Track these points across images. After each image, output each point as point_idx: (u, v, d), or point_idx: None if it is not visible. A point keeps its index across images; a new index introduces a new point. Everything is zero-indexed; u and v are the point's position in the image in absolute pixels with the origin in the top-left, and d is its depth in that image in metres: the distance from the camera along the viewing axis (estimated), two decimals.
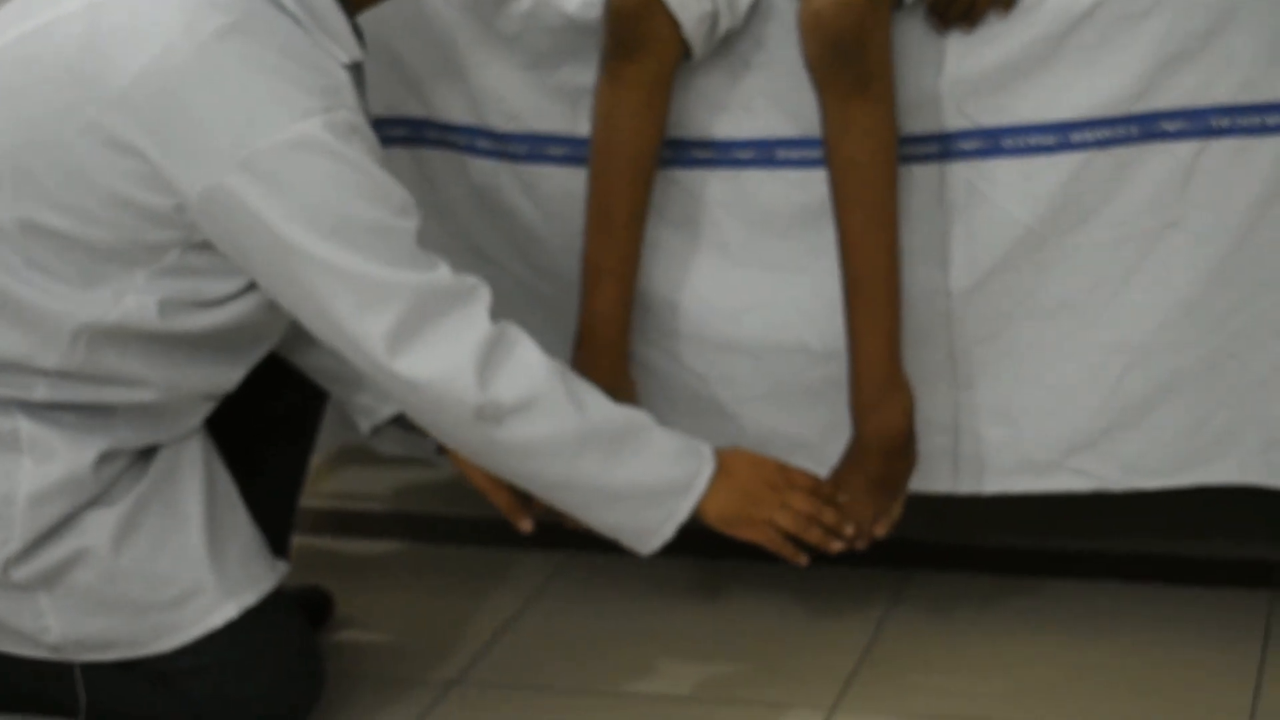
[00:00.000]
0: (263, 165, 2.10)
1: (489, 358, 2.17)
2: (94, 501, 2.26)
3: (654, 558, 2.74)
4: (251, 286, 2.22)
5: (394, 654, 2.60)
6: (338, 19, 2.23)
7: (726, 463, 2.32)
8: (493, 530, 2.65)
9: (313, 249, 2.12)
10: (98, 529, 2.26)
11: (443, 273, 2.18)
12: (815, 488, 2.41)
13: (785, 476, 2.38)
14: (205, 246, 2.17)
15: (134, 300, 2.19)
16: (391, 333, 2.14)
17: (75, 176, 2.14)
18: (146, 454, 2.31)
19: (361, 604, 2.72)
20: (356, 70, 2.28)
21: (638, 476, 2.26)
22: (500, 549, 2.82)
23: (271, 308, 2.23)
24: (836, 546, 2.44)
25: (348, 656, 2.56)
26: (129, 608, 2.27)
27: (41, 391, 2.23)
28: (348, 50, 2.24)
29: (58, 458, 2.24)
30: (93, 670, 2.29)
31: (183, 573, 2.27)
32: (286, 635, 2.33)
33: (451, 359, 2.16)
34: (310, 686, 2.35)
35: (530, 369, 2.19)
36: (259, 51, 2.12)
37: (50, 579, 2.26)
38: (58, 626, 2.27)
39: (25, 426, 2.24)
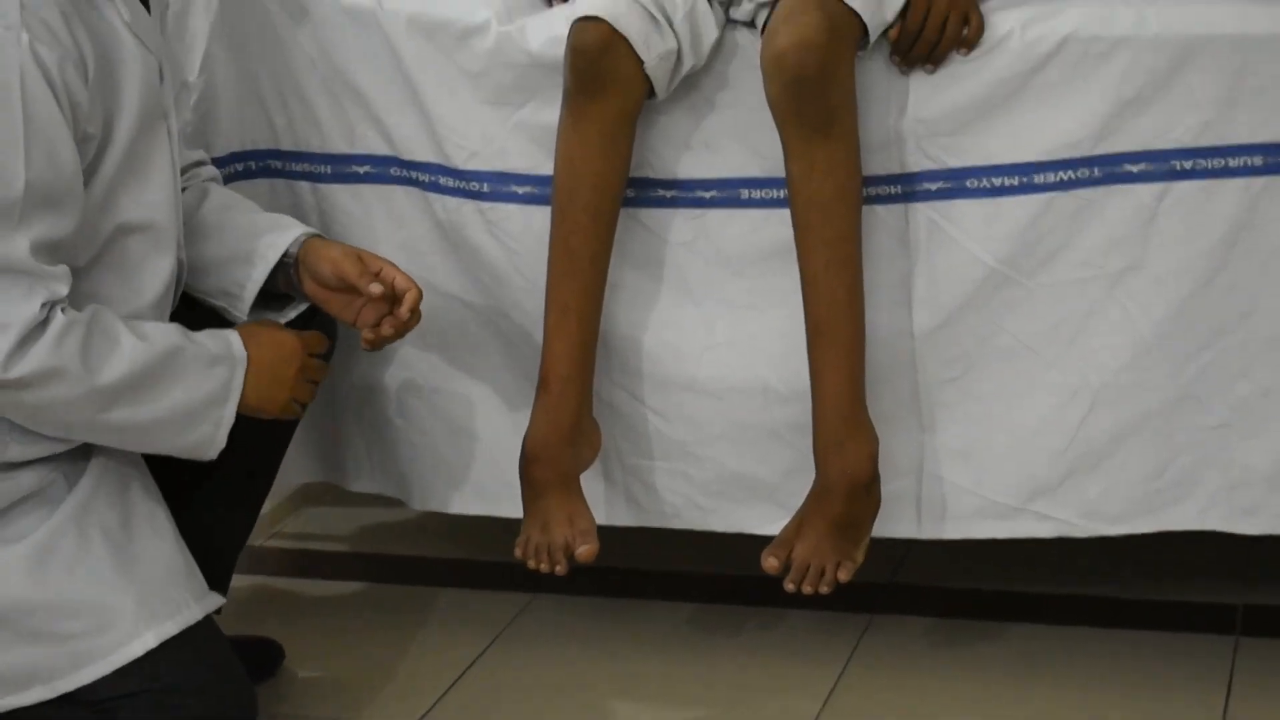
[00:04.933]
0: None
1: (28, 336, 2.17)
2: (3, 525, 2.26)
3: (618, 601, 2.80)
4: None
5: (353, 696, 2.59)
6: None
7: (253, 354, 2.34)
8: (456, 571, 2.65)
9: None
10: (10, 561, 2.25)
11: (23, 253, 2.16)
12: (323, 345, 2.42)
13: (303, 345, 2.39)
14: None
15: None
16: None
17: None
18: (60, 484, 2.29)
19: (322, 645, 2.71)
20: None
21: (176, 404, 2.29)
22: (464, 590, 2.81)
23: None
24: None
25: (307, 698, 2.55)
26: (47, 639, 2.25)
27: None
28: None
29: None
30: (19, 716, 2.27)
31: (97, 601, 2.26)
32: (215, 663, 2.31)
33: None
34: (243, 716, 2.33)
35: (49, 346, 2.19)
36: None
37: None
38: None
39: None
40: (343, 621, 2.80)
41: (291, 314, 2.47)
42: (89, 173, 2.24)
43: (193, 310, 2.44)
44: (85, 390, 2.22)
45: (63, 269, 2.20)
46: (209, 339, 2.32)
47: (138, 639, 2.25)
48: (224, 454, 2.35)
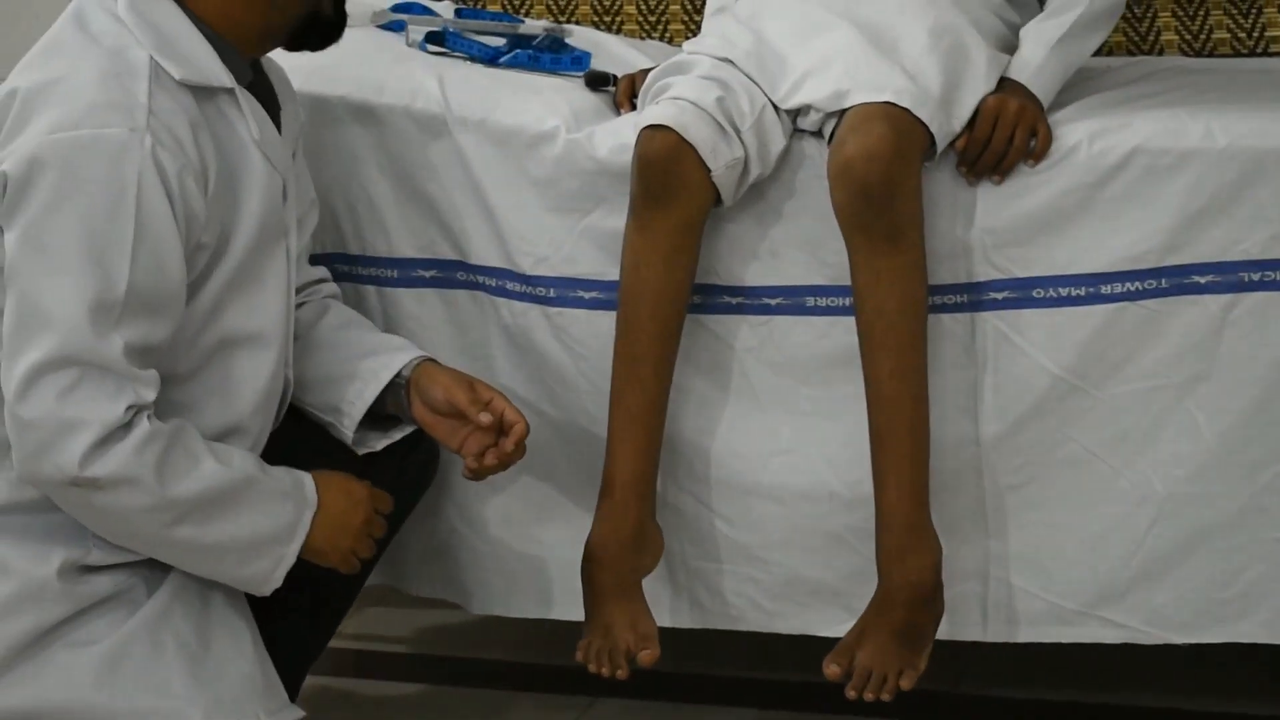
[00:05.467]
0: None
1: (109, 437, 2.19)
2: (73, 630, 2.27)
3: (680, 706, 2.78)
4: None
5: None
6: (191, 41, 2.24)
7: (324, 499, 2.34)
8: (517, 674, 2.63)
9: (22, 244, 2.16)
10: (82, 664, 2.26)
11: (116, 353, 2.18)
12: (389, 506, 2.42)
13: (372, 502, 2.39)
14: None
15: None
16: (36, 366, 2.17)
17: None
18: (140, 589, 2.30)
19: None
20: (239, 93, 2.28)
21: (242, 533, 2.29)
22: (526, 693, 2.80)
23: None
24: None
25: None
26: None
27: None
28: (204, 74, 2.24)
29: (11, 570, 2.25)
30: None
31: (166, 711, 2.26)
32: None
33: (82, 410, 2.17)
34: None
35: (129, 453, 2.19)
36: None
37: (36, 715, 2.26)
38: None
39: None
40: None
41: (397, 436, 2.49)
42: (199, 281, 2.27)
43: (299, 424, 2.46)
44: (155, 501, 2.22)
45: (152, 374, 2.22)
46: (285, 475, 2.33)
47: None
48: (311, 571, 2.36)
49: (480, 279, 2.63)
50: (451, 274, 2.65)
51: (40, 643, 2.27)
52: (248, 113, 2.29)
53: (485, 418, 2.42)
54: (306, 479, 2.34)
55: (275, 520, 2.31)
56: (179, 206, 2.20)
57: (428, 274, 2.65)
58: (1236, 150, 2.40)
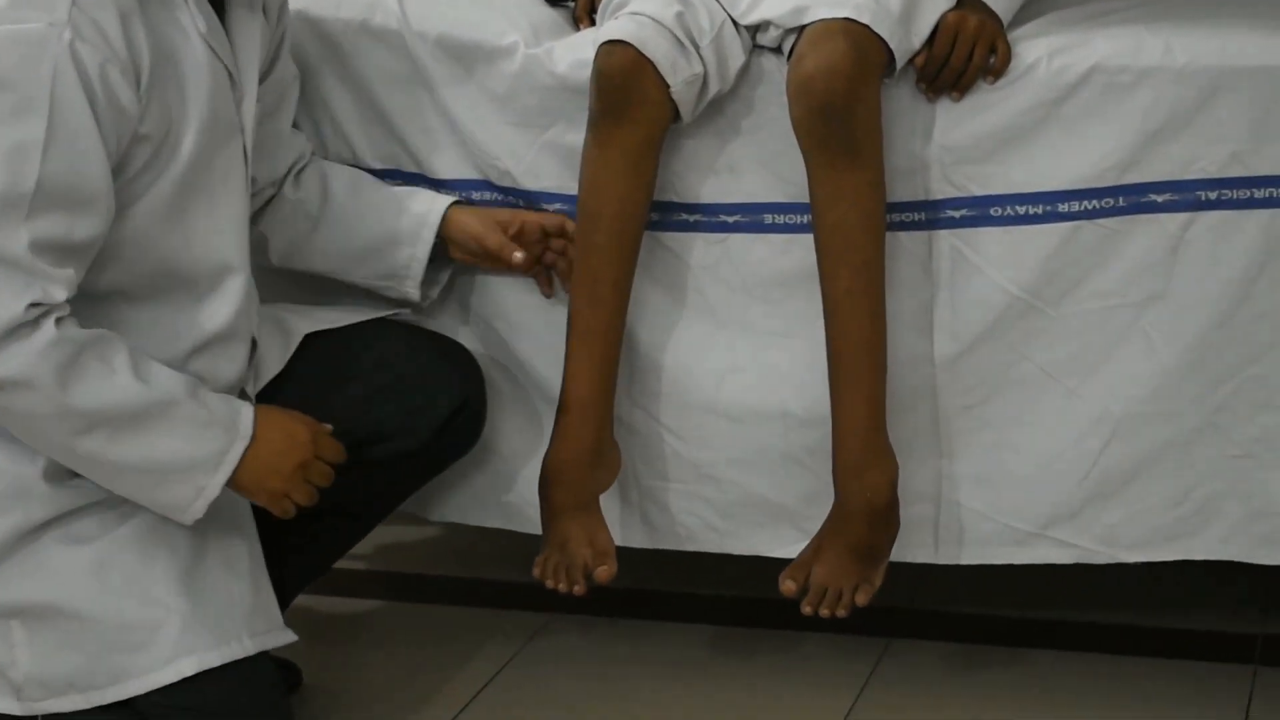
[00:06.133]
0: None
1: (3, 336, 2.14)
2: (63, 527, 2.28)
3: (636, 623, 2.80)
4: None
5: (369, 715, 2.60)
6: None
7: (260, 434, 2.29)
8: (475, 590, 2.65)
9: None
10: (70, 566, 2.28)
11: (21, 248, 2.14)
12: (338, 455, 2.38)
13: (315, 445, 2.34)
14: None
15: None
16: None
17: None
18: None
19: (339, 663, 2.72)
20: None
21: (152, 455, 2.23)
22: (482, 609, 2.82)
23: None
24: None
25: (324, 716, 2.55)
26: (90, 648, 2.28)
27: None
28: None
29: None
30: None
31: (145, 620, 2.28)
32: (258, 698, 2.33)
33: None
34: None
35: (29, 354, 2.15)
36: None
37: (23, 610, 2.28)
38: (25, 660, 2.28)
39: None
40: (360, 639, 2.80)
41: (445, 278, 2.60)
42: (151, 179, 2.23)
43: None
44: (55, 409, 2.18)
45: (68, 274, 2.17)
46: (220, 404, 2.28)
47: (175, 664, 2.27)
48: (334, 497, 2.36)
49: (443, 192, 2.61)
50: (414, 186, 2.63)
51: (27, 539, 2.28)
52: (191, 4, 2.25)
53: (519, 257, 2.51)
54: (245, 410, 2.29)
55: (196, 448, 2.25)
56: (100, 101, 2.16)
57: (393, 185, 2.63)
58: (1196, 68, 2.40)
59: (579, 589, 2.52)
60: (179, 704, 2.28)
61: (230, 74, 2.30)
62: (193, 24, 2.25)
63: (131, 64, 2.18)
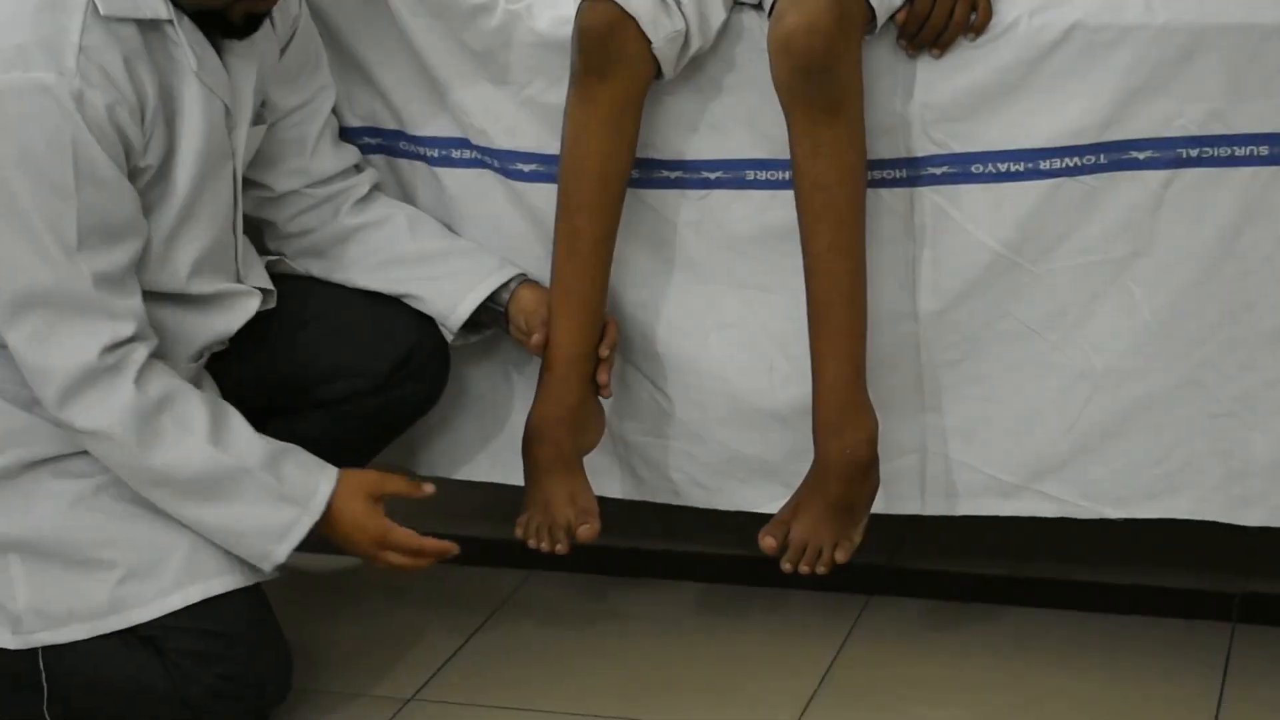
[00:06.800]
0: None
1: (81, 382, 2.27)
2: (65, 463, 2.35)
3: (617, 579, 2.82)
4: None
5: (352, 669, 2.62)
6: None
7: (334, 515, 2.39)
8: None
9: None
10: (69, 494, 2.35)
11: (86, 285, 2.26)
12: (414, 549, 2.45)
13: (382, 543, 2.44)
14: None
15: None
16: (6, 309, 2.28)
17: None
18: None
19: (322, 619, 2.74)
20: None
21: (221, 522, 2.36)
22: (463, 566, 2.79)
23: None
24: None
25: (306, 671, 2.57)
26: (91, 577, 2.34)
27: None
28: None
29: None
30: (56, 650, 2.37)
31: (149, 547, 2.35)
32: (259, 623, 2.40)
33: (50, 359, 2.28)
34: (280, 673, 2.43)
35: (108, 410, 2.28)
36: None
37: (21, 543, 2.34)
38: (24, 593, 2.35)
39: None
40: (342, 595, 2.82)
41: (481, 335, 2.64)
42: (152, 204, 2.34)
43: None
44: (131, 462, 2.31)
45: (130, 304, 2.30)
46: (297, 476, 2.38)
47: (180, 591, 2.35)
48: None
49: (421, 150, 2.65)
50: (394, 143, 2.67)
51: (28, 473, 2.35)
52: (185, 43, 2.32)
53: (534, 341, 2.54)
54: (323, 488, 2.39)
55: (263, 518, 2.36)
56: (111, 139, 2.27)
57: (373, 141, 2.67)
58: (1176, 26, 2.40)
59: (561, 548, 2.54)
60: (184, 626, 2.35)
61: (225, 105, 2.38)
62: (186, 60, 2.33)
63: (137, 103, 2.29)
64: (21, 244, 2.25)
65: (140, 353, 2.30)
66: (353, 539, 2.42)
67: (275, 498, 2.35)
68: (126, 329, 2.29)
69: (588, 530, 2.54)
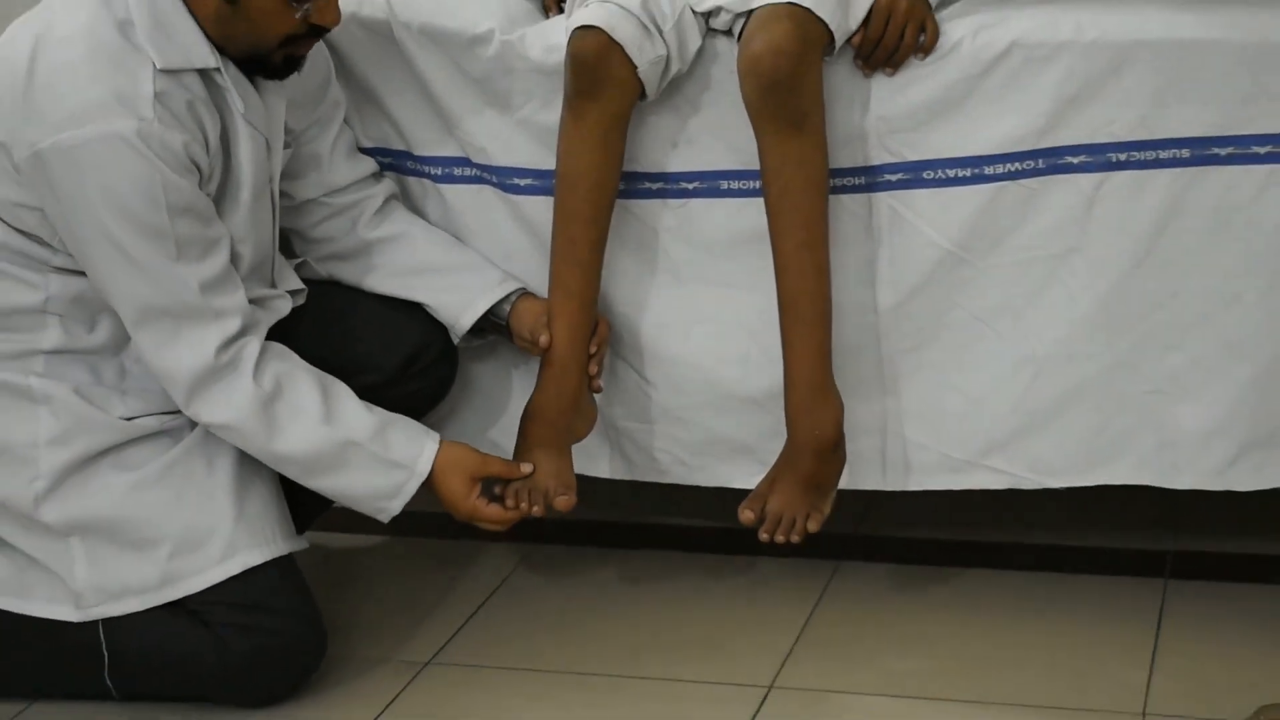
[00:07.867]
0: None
1: (203, 381, 2.43)
2: (120, 455, 2.49)
3: (609, 551, 2.87)
4: None
5: (372, 637, 2.69)
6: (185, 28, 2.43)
7: (436, 476, 2.54)
8: (462, 525, 2.68)
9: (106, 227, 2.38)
10: (126, 482, 2.48)
11: (194, 293, 2.41)
12: (499, 522, 2.60)
13: (471, 519, 2.59)
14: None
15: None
16: (131, 322, 2.44)
17: None
18: (185, 423, 2.51)
19: (342, 592, 2.81)
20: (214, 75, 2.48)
21: (340, 487, 2.52)
22: (469, 541, 2.90)
23: None
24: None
25: (335, 638, 2.62)
26: (146, 554, 2.47)
27: (53, 337, 2.47)
28: (188, 58, 2.42)
29: (68, 406, 2.48)
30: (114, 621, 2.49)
31: (195, 523, 2.48)
32: (295, 593, 2.52)
33: (173, 364, 2.43)
34: (315, 640, 2.54)
35: (232, 405, 2.44)
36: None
37: (80, 526, 2.47)
38: (83, 572, 2.47)
39: (36, 383, 2.47)
40: (360, 570, 2.90)
41: (483, 339, 2.73)
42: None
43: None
44: (260, 448, 2.46)
45: (235, 300, 2.44)
46: (403, 443, 2.52)
47: (223, 564, 2.48)
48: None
49: (425, 169, 2.73)
50: (401, 163, 2.75)
51: (88, 465, 2.48)
52: (231, 88, 2.45)
53: (541, 342, 2.63)
54: (427, 452, 2.53)
55: (376, 482, 2.51)
56: (190, 169, 2.41)
57: (384, 161, 2.75)
58: (1104, 42, 2.48)
59: (538, 510, 2.60)
60: (223, 599, 2.46)
61: (267, 140, 2.51)
62: (234, 105, 2.46)
63: (203, 140, 2.42)
64: (131, 272, 2.38)
65: (252, 346, 2.44)
66: (447, 506, 2.54)
67: (385, 464, 2.48)
68: (234, 324, 2.42)
69: (565, 500, 2.61)
